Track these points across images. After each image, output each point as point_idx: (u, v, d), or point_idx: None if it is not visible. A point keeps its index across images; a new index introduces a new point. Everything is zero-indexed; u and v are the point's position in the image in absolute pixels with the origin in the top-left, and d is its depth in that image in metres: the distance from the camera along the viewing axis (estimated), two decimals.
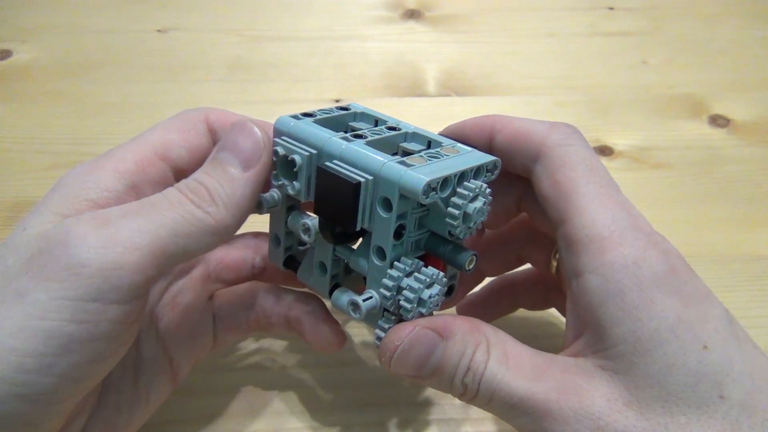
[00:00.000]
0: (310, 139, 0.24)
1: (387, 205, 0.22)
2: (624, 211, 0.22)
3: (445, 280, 0.23)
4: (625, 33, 0.56)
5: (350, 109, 0.27)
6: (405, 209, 0.22)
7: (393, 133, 0.25)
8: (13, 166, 0.42)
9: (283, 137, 0.24)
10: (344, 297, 0.24)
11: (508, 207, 0.27)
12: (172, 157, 0.25)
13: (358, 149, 0.23)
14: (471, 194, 0.22)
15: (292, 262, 0.27)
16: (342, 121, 0.26)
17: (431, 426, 0.29)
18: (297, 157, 0.23)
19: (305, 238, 0.24)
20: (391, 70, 0.51)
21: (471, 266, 0.23)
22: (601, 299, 0.21)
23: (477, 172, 0.23)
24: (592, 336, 0.22)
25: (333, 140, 0.23)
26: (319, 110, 0.26)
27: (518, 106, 0.48)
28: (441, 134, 0.26)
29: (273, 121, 0.25)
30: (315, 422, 0.29)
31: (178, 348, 0.26)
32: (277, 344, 0.32)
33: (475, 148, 0.25)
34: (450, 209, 0.22)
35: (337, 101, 0.48)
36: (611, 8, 0.59)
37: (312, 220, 0.24)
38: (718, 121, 0.47)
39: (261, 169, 0.23)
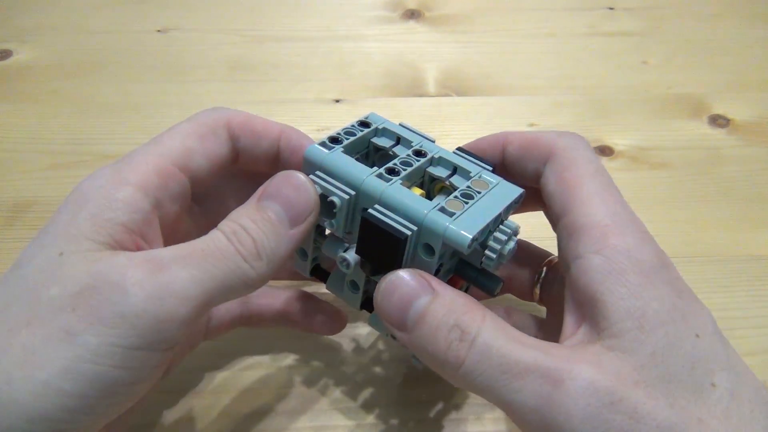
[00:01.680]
0: (346, 177, 0.24)
1: (429, 250, 0.23)
2: (624, 209, 0.24)
3: None
4: (625, 33, 0.56)
5: (371, 124, 0.27)
6: (444, 251, 0.23)
7: (421, 161, 0.26)
8: (13, 166, 0.42)
9: (318, 173, 0.24)
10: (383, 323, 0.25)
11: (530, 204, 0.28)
12: (192, 168, 0.25)
13: (398, 195, 0.23)
14: (507, 238, 0.23)
15: (318, 272, 0.28)
16: (365, 138, 0.27)
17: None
18: (336, 200, 0.24)
19: (344, 269, 0.25)
20: (391, 70, 0.51)
21: (498, 292, 0.25)
22: (604, 276, 0.22)
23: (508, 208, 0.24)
24: (594, 316, 0.22)
25: (370, 181, 0.24)
26: (343, 130, 0.26)
27: (518, 106, 0.48)
28: (458, 151, 0.27)
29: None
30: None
31: None
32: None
33: (489, 161, 0.26)
34: (488, 252, 0.23)
35: (337, 101, 0.48)
36: (611, 8, 0.59)
37: (351, 254, 0.24)
38: (718, 121, 0.47)
39: (307, 227, 0.23)
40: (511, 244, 0.24)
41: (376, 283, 0.25)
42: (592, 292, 0.22)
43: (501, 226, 0.24)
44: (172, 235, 0.25)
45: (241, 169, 0.27)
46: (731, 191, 0.41)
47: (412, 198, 0.23)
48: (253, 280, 0.22)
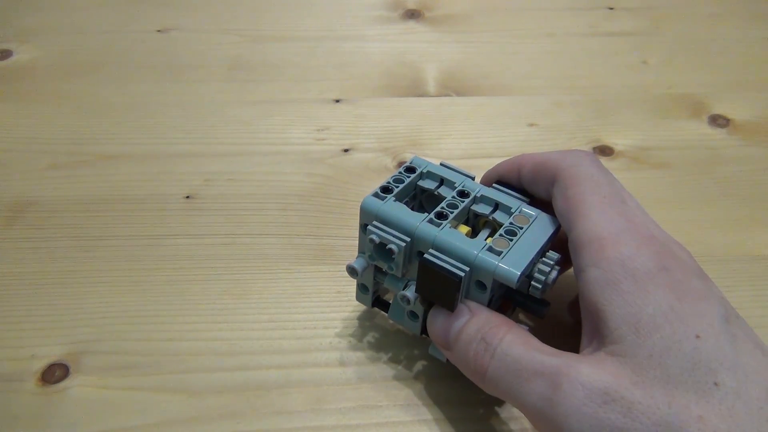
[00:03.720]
0: (401, 225, 0.27)
1: (482, 286, 0.26)
2: (622, 218, 0.25)
3: None
4: (625, 33, 0.56)
5: (416, 169, 0.30)
6: (495, 285, 0.26)
7: (466, 201, 0.28)
8: (13, 166, 0.42)
9: (375, 223, 0.27)
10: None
11: None
12: None
13: (450, 239, 0.26)
14: (550, 268, 0.26)
15: (379, 303, 0.31)
16: (412, 182, 0.29)
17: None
18: (394, 247, 0.26)
19: (405, 305, 0.28)
20: (391, 70, 0.51)
21: (546, 314, 0.28)
22: (601, 288, 0.23)
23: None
24: (598, 326, 0.23)
25: (423, 227, 0.26)
26: (392, 178, 0.29)
27: (518, 106, 0.48)
28: (486, 181, 0.31)
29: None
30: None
31: None
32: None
33: (511, 184, 0.29)
34: (534, 283, 0.26)
35: (337, 101, 0.48)
36: (611, 8, 0.59)
37: (410, 291, 0.27)
38: (718, 121, 0.47)
39: None
40: (554, 273, 0.26)
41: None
42: (594, 304, 0.23)
43: (544, 258, 0.26)
44: None
45: None
46: (731, 191, 0.41)
47: (462, 240, 0.26)
48: None
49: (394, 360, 0.31)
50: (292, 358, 0.31)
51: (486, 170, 0.31)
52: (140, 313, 0.33)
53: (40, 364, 0.31)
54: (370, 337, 0.32)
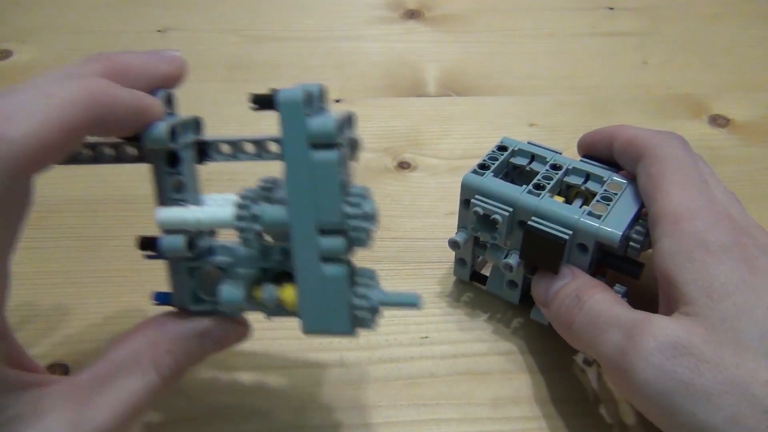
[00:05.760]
0: (503, 197, 0.29)
1: (583, 249, 0.28)
2: (702, 195, 0.26)
3: None
4: (625, 33, 0.56)
5: (508, 148, 0.32)
6: (595, 247, 0.27)
7: (559, 173, 0.30)
8: None
9: (478, 197, 0.29)
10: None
11: None
12: None
13: (551, 207, 0.28)
14: (646, 230, 0.27)
15: (476, 276, 0.33)
16: (505, 160, 0.31)
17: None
18: (498, 217, 0.28)
19: (507, 273, 0.30)
20: (391, 70, 0.51)
21: (640, 274, 0.29)
22: (673, 257, 0.24)
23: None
24: (671, 292, 0.24)
25: (524, 197, 0.28)
26: (487, 156, 0.31)
27: (518, 106, 0.48)
28: (580, 146, 0.32)
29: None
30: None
31: None
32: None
33: (602, 157, 0.31)
34: (632, 243, 0.28)
35: (337, 101, 0.47)
36: (611, 8, 0.59)
37: (513, 259, 0.29)
38: (718, 121, 0.47)
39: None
40: (646, 240, 0.27)
41: (530, 280, 0.30)
42: (667, 272, 0.24)
43: (641, 220, 0.28)
44: None
45: None
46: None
47: (562, 207, 0.28)
48: None
49: (394, 360, 0.31)
50: (292, 358, 0.31)
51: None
52: (140, 313, 0.33)
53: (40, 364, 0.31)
54: (370, 336, 0.32)
